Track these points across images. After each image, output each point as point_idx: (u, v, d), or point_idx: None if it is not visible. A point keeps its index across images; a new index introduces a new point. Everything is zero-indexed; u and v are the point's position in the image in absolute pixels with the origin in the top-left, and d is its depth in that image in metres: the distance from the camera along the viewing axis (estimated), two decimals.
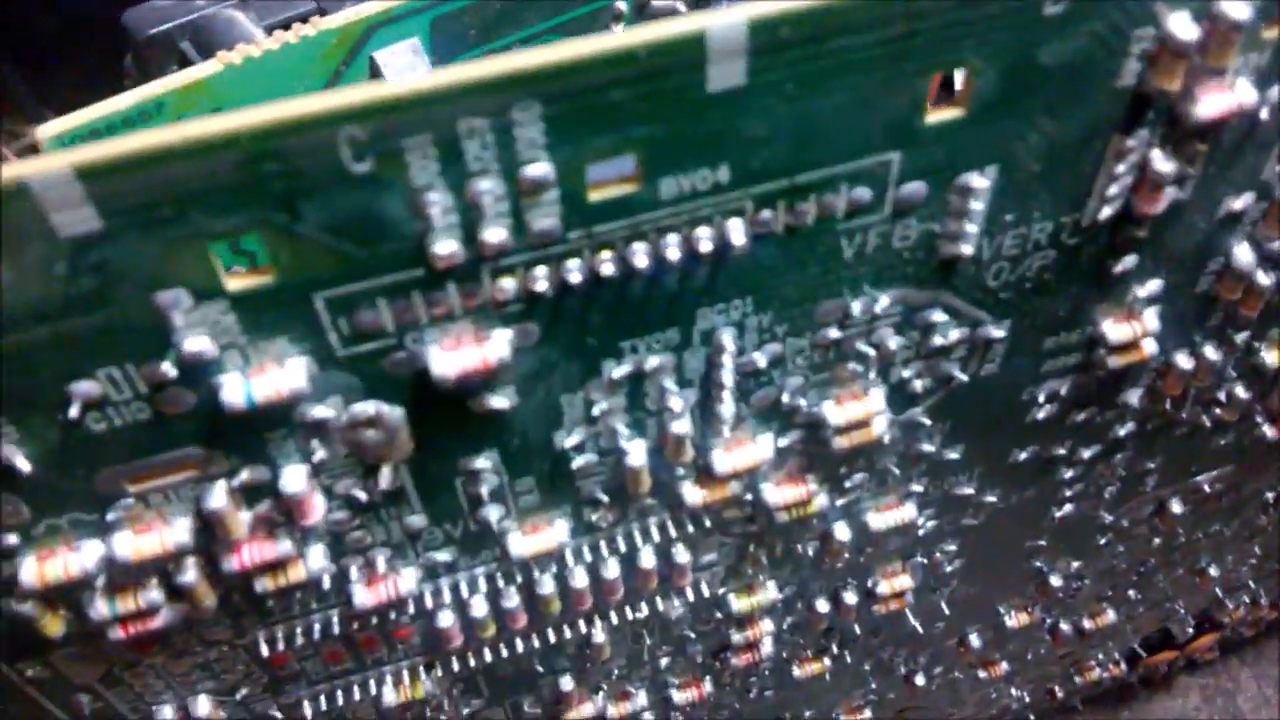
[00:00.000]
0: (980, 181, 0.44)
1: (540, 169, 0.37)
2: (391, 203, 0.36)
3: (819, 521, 0.60)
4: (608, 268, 0.41)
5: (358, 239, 0.37)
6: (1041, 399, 0.58)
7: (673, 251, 0.41)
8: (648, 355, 0.46)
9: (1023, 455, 0.63)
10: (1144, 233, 0.50)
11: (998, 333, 0.52)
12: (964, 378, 0.54)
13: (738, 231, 0.42)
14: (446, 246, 0.38)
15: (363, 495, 0.47)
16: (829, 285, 0.46)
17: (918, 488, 0.61)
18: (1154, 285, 0.52)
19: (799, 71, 0.37)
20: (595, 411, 0.47)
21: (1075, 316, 0.54)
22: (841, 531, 0.61)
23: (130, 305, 0.37)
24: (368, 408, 0.43)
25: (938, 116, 0.41)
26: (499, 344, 0.42)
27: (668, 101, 0.37)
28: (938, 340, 0.51)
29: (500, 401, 0.45)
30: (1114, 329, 0.55)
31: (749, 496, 0.55)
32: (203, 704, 0.57)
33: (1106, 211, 0.47)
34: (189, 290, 0.37)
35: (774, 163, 0.40)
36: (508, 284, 0.40)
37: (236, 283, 0.38)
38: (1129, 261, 0.51)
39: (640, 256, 0.41)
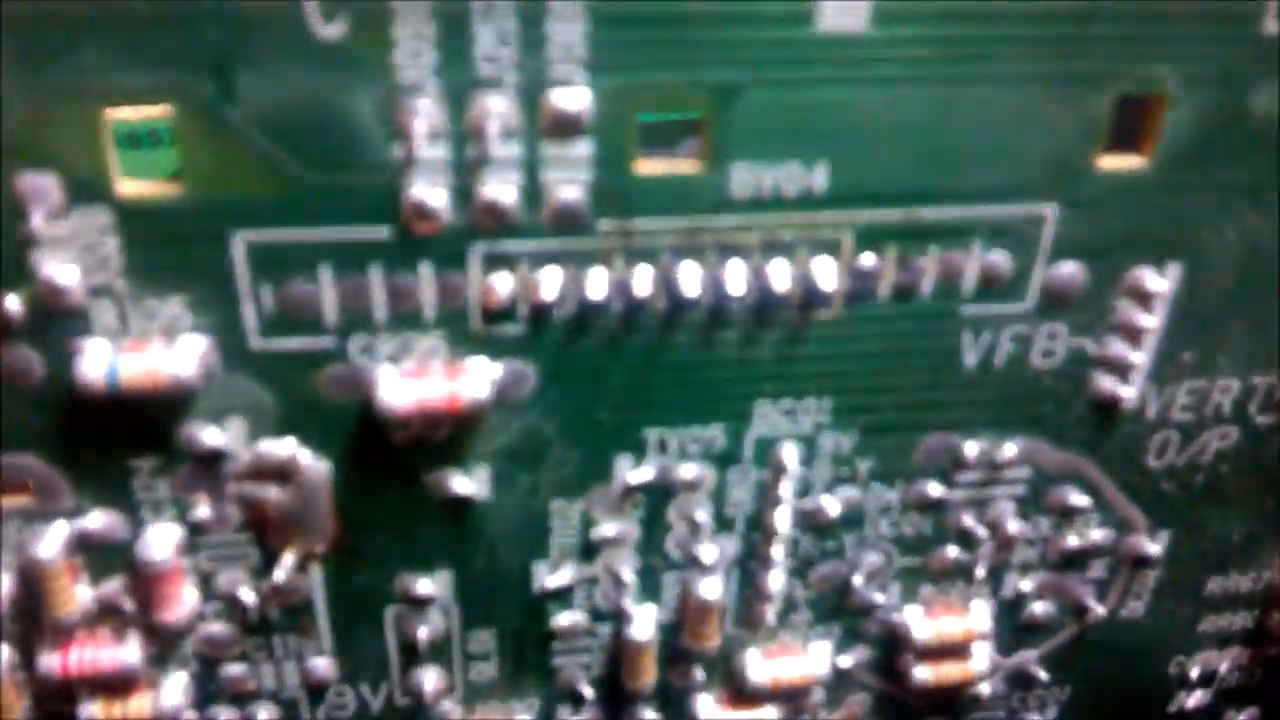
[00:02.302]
0: (1158, 283, 0.33)
1: (576, 98, 0.27)
2: (363, 102, 0.26)
3: None
4: (644, 286, 0.30)
5: (307, 152, 0.27)
6: (1194, 675, 0.44)
7: (736, 281, 0.30)
8: (680, 461, 0.34)
9: None
10: None
11: (1152, 548, 0.39)
12: (1101, 611, 0.40)
13: (827, 274, 0.31)
14: (431, 194, 0.28)
15: (251, 599, 0.33)
16: (939, 406, 0.34)
17: None
18: None
19: (943, 42, 0.29)
20: (595, 537, 0.34)
21: (1252, 549, 0.41)
22: None
23: None
24: (282, 446, 0.31)
25: (1113, 163, 0.31)
26: (478, 379, 0.30)
27: (762, 32, 0.27)
28: (1072, 541, 0.38)
29: (467, 485, 0.32)
30: None
31: None
32: None
33: None
34: (64, 180, 0.27)
35: (891, 177, 0.30)
36: (504, 282, 0.29)
37: (132, 186, 0.27)
38: None
39: (690, 279, 0.30)
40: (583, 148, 0.29)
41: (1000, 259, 0.33)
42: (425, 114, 0.28)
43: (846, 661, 0.40)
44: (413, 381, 0.31)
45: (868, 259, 0.32)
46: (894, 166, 0.30)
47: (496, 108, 0.28)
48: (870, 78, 0.29)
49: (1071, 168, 0.31)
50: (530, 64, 0.27)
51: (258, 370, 0.31)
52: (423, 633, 0.36)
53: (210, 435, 0.31)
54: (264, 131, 0.27)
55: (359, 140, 0.28)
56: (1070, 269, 0.33)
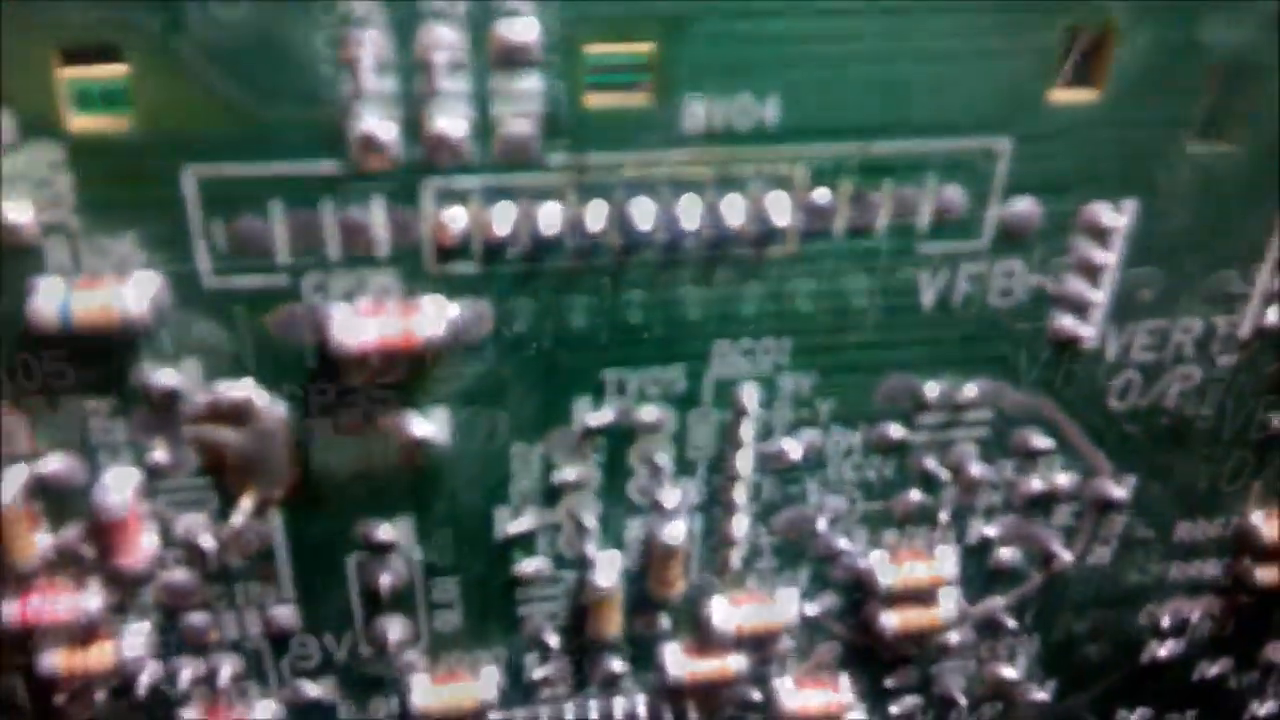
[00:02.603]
0: (1113, 218, 0.33)
1: (524, 28, 0.27)
2: (311, 34, 0.27)
3: None
4: (598, 222, 0.30)
5: (256, 84, 0.28)
6: (1165, 624, 0.44)
7: (689, 215, 0.30)
8: (640, 403, 0.34)
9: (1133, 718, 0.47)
10: None
11: (1118, 492, 0.39)
12: (1068, 558, 0.40)
13: (780, 209, 0.31)
14: (380, 127, 0.28)
15: (211, 545, 0.33)
16: (897, 347, 0.34)
17: None
18: None
19: None
20: (556, 480, 0.34)
21: (1220, 495, 0.41)
22: None
23: None
24: (238, 387, 0.31)
25: (1067, 96, 0.31)
26: (434, 317, 0.30)
27: None
28: (1036, 484, 0.38)
29: (427, 428, 0.32)
30: (1269, 525, 0.41)
31: (755, 695, 0.40)
32: None
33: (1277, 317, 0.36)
34: (17, 115, 0.27)
35: (845, 111, 0.31)
36: (457, 217, 0.29)
37: (83, 121, 0.27)
38: None
39: (644, 212, 0.30)
40: (532, 81, 0.29)
41: (955, 195, 0.33)
42: (372, 46, 0.28)
43: (814, 609, 0.40)
44: (368, 320, 0.31)
45: (822, 195, 0.32)
46: (847, 100, 0.30)
47: (444, 39, 0.28)
48: (823, 8, 0.29)
49: (1029, 97, 0.31)
50: None
51: (210, 309, 0.30)
52: (385, 580, 0.36)
53: (165, 376, 0.31)
54: (213, 64, 0.27)
55: (308, 73, 0.28)
56: (1025, 205, 0.33)
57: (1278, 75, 0.32)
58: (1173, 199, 0.34)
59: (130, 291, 0.29)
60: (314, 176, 0.29)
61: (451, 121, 0.29)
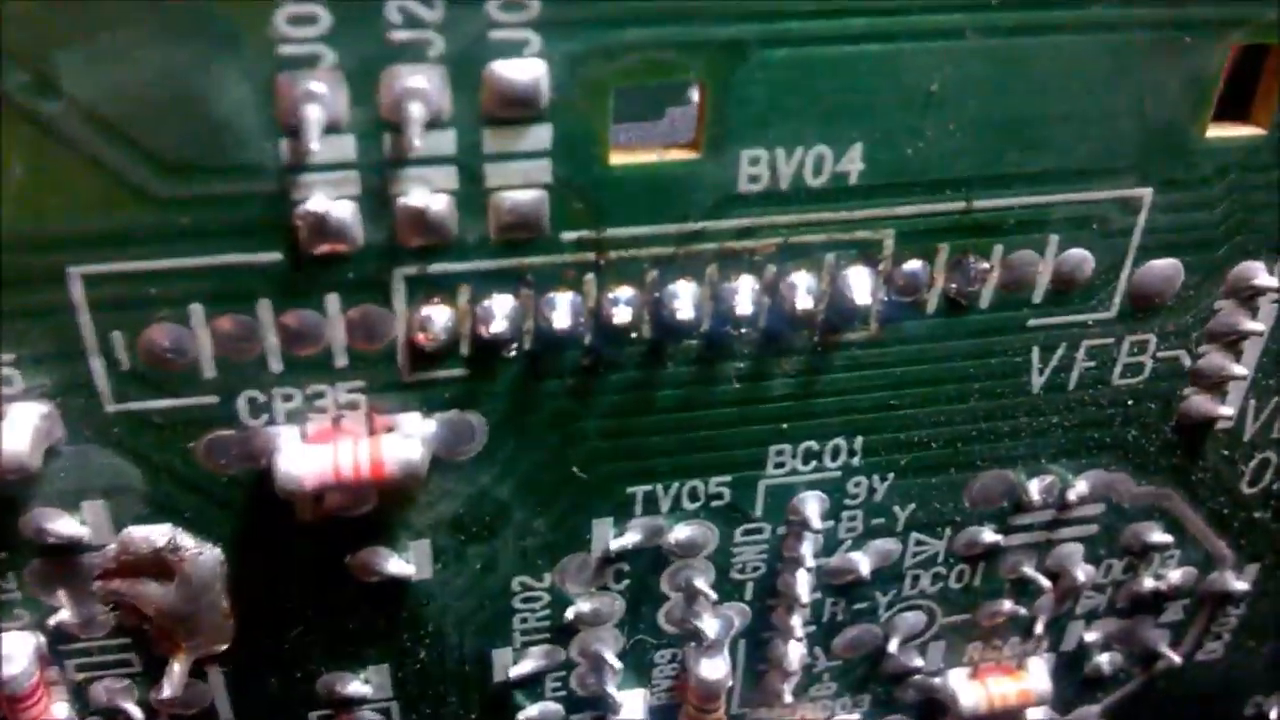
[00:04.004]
0: (1267, 279, 0.26)
1: (526, 69, 0.20)
2: (233, 84, 0.20)
3: None
4: (624, 312, 0.23)
5: (159, 154, 0.20)
6: (1274, 715, 0.38)
7: (744, 300, 0.23)
8: (674, 521, 0.27)
9: None
10: None
11: (1238, 584, 0.33)
12: (1176, 660, 0.33)
13: (861, 286, 0.24)
14: (333, 205, 0.20)
15: (138, 714, 0.26)
16: (996, 438, 0.27)
17: None
18: None
19: None
20: (571, 615, 0.27)
21: None
22: None
23: None
24: (156, 532, 0.24)
25: (1223, 131, 0.24)
26: (407, 439, 0.23)
27: None
28: (1148, 583, 0.32)
29: (402, 566, 0.25)
30: None
31: None
32: None
33: None
34: None
35: (944, 159, 0.24)
36: (439, 314, 0.22)
37: None
38: None
39: (684, 301, 0.23)
40: (538, 136, 0.21)
41: (1080, 256, 0.26)
42: (321, 98, 0.20)
43: None
44: (323, 447, 0.24)
45: (913, 264, 0.25)
46: (950, 145, 0.23)
47: (418, 86, 0.20)
48: (917, 29, 0.22)
49: (1176, 136, 0.24)
50: (463, 26, 0.20)
51: (116, 441, 0.23)
52: None
53: (62, 523, 0.24)
54: (99, 131, 0.20)
55: (230, 137, 0.20)
56: (1165, 266, 0.26)
57: None
58: None
59: (9, 426, 0.22)
60: (246, 268, 0.22)
61: (431, 194, 0.21)
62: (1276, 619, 0.37)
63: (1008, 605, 0.32)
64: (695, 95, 0.23)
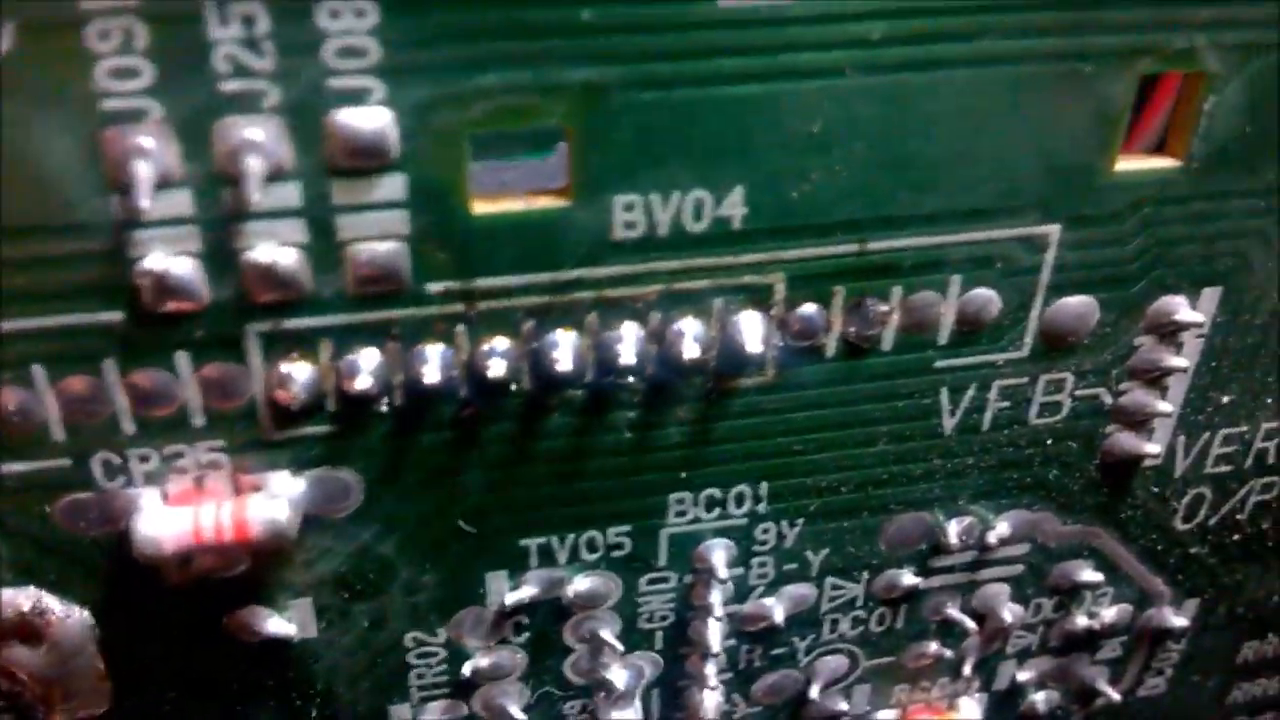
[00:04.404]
0: (1190, 314, 0.25)
1: (370, 117, 0.18)
2: (55, 141, 0.19)
3: None
4: (499, 366, 0.22)
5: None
6: None
7: (626, 350, 0.22)
8: (574, 573, 0.26)
9: None
10: None
11: (1178, 620, 0.32)
12: (1115, 697, 0.32)
13: (753, 333, 0.22)
14: (174, 263, 0.19)
15: None
16: (910, 482, 0.26)
17: None
18: None
19: (900, 14, 0.21)
20: (468, 671, 0.26)
21: None
22: None
23: None
24: (21, 596, 0.23)
25: (1135, 164, 0.23)
26: (273, 500, 0.22)
27: (646, 10, 0.20)
28: (1081, 621, 0.31)
29: (282, 626, 0.24)
30: None
31: None
32: None
33: None
34: None
35: (835, 200, 0.22)
36: (298, 373, 0.21)
37: None
38: None
39: (564, 352, 0.22)
40: (392, 186, 0.20)
41: (985, 297, 0.25)
42: (149, 153, 0.19)
43: None
44: (184, 509, 0.23)
45: (808, 309, 0.24)
46: (839, 186, 0.22)
47: (255, 138, 0.19)
48: (800, 67, 0.21)
49: (1084, 173, 0.23)
50: (299, 74, 0.19)
51: None
52: None
53: None
54: None
55: (57, 195, 0.19)
56: (1077, 303, 0.25)
57: None
58: (1263, 285, 0.26)
59: None
60: (87, 328, 0.21)
61: (277, 249, 0.20)
62: (1221, 652, 0.35)
63: (933, 647, 0.31)
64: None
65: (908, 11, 0.21)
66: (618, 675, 0.29)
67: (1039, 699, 0.34)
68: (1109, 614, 0.32)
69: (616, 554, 0.27)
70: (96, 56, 0.19)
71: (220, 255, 0.21)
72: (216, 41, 0.19)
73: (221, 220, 0.21)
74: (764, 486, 0.27)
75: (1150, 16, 0.22)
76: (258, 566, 0.25)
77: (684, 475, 0.26)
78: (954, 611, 0.31)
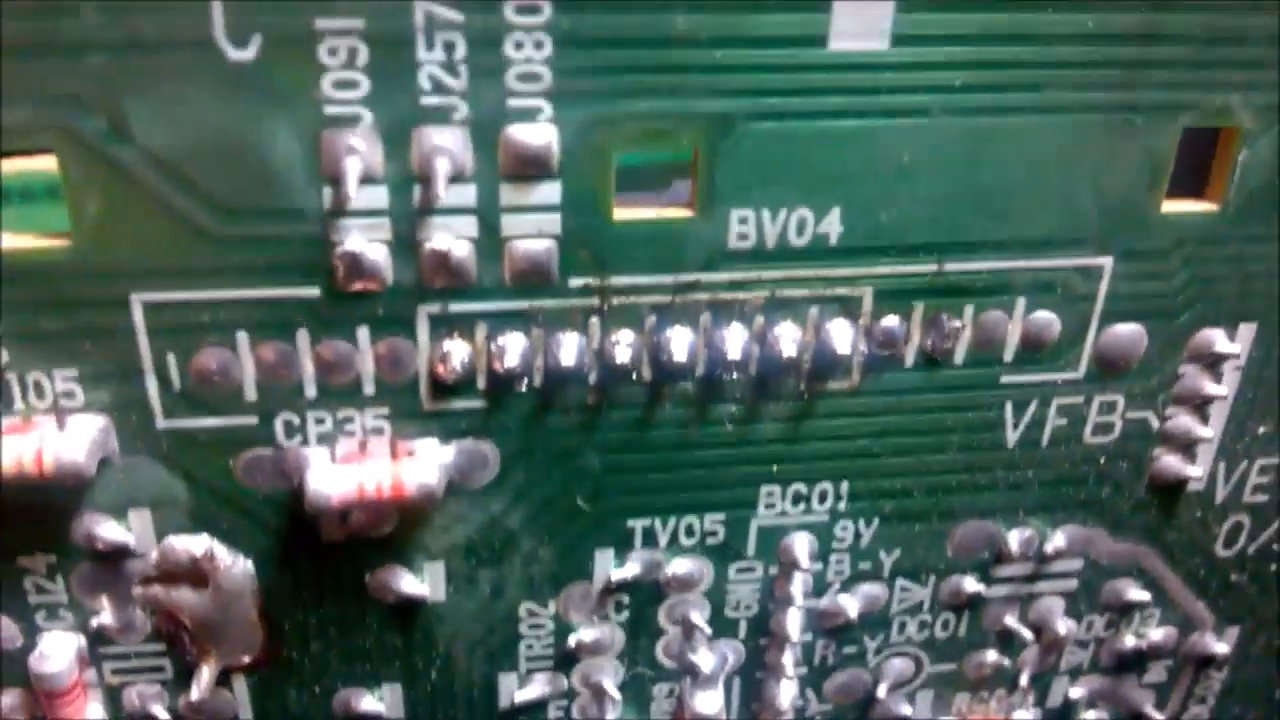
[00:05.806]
0: (1228, 346, 0.29)
1: (539, 133, 0.23)
2: (283, 138, 0.23)
3: None
4: (625, 353, 0.26)
5: (217, 198, 0.24)
6: None
7: (734, 347, 0.26)
8: (672, 555, 0.29)
9: None
10: None
11: (1219, 647, 0.35)
12: (1158, 719, 0.35)
13: (843, 337, 0.27)
14: (368, 248, 0.24)
15: (166, 717, 0.29)
16: (975, 490, 0.30)
17: None
18: None
19: (978, 65, 0.26)
20: (572, 644, 0.30)
21: None
22: None
23: None
24: (196, 543, 0.27)
25: (1178, 206, 0.27)
26: (427, 463, 0.26)
27: (764, 53, 0.25)
28: (1129, 641, 0.34)
29: (418, 586, 0.28)
30: None
31: None
32: None
33: None
34: None
35: (918, 224, 0.27)
36: (458, 349, 0.25)
37: (14, 241, 0.24)
38: None
39: (680, 345, 0.26)
40: (550, 192, 0.25)
41: (1047, 319, 0.29)
42: (359, 153, 0.24)
43: None
44: (350, 468, 0.27)
45: (890, 320, 0.28)
46: (921, 212, 0.27)
47: (445, 144, 0.24)
48: (893, 107, 0.25)
49: (1130, 214, 0.27)
50: (485, 93, 0.24)
51: (164, 455, 0.26)
52: None
53: (110, 530, 0.27)
54: (164, 174, 0.23)
55: (279, 184, 0.24)
56: (1128, 331, 0.29)
57: None
58: None
59: (69, 437, 0.25)
60: (288, 302, 0.25)
61: (453, 240, 0.25)
62: (1261, 685, 0.38)
63: (993, 656, 0.34)
64: None
65: (985, 64, 0.26)
66: (705, 659, 0.32)
67: (1089, 718, 0.37)
68: (1156, 634, 0.35)
69: (711, 540, 0.31)
70: (325, 68, 0.23)
71: (405, 243, 0.25)
72: (422, 62, 0.24)
73: (410, 213, 0.25)
74: (844, 485, 0.31)
75: (1192, 77, 0.26)
76: (402, 527, 0.29)
77: (774, 469, 0.30)
78: (1012, 621, 0.34)
